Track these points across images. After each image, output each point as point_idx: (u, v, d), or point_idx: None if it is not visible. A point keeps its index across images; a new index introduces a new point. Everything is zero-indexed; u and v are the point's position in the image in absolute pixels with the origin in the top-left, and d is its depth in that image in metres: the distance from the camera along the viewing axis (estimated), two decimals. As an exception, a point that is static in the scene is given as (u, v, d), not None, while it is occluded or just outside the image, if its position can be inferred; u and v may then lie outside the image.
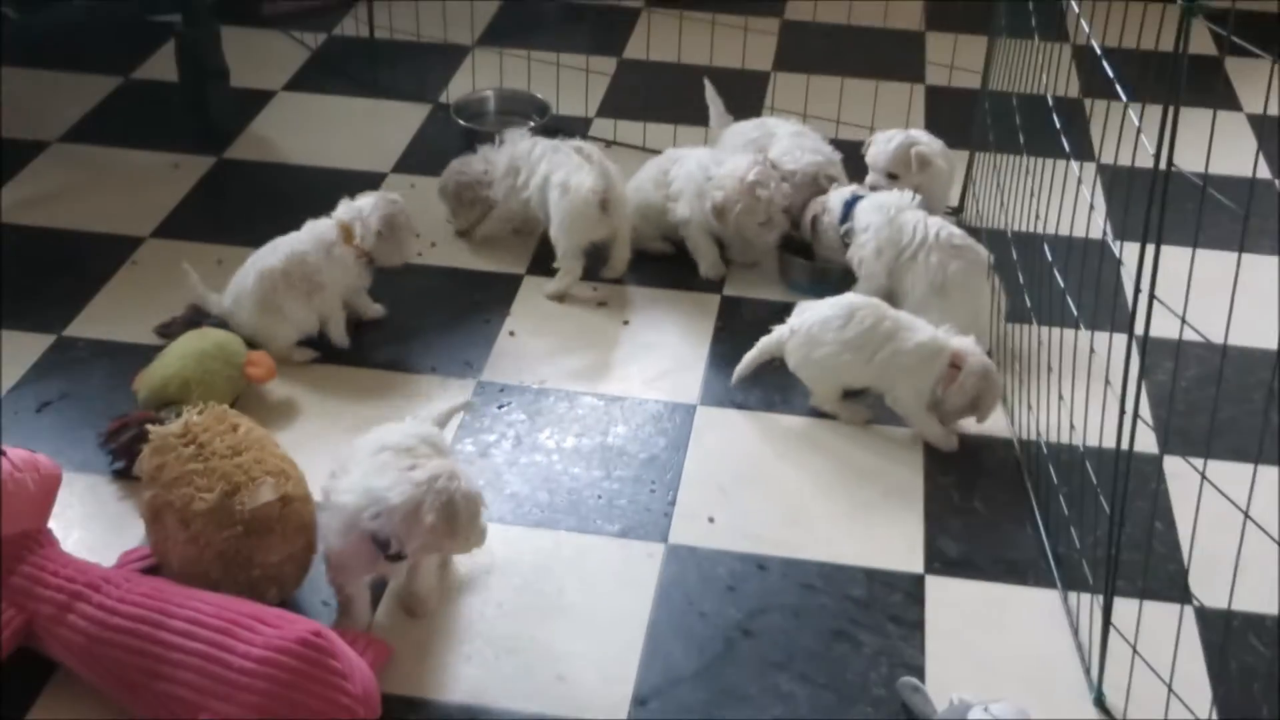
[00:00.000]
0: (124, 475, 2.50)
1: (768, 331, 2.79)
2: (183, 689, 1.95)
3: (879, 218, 2.95)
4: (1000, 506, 2.57)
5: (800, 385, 2.80)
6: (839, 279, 3.07)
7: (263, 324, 2.80)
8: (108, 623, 2.02)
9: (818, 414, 2.77)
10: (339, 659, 1.96)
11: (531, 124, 3.67)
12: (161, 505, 2.17)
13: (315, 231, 2.89)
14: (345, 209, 2.93)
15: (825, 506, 2.56)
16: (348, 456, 2.25)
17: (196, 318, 2.85)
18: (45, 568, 2.10)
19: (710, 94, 3.53)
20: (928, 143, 3.18)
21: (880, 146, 3.20)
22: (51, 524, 2.21)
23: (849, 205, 3.02)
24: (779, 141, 3.28)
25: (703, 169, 3.15)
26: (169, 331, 2.84)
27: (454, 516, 2.07)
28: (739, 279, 3.21)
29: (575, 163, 3.07)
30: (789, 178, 3.15)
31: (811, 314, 2.72)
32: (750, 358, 2.77)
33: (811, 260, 3.15)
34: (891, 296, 2.88)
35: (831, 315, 2.70)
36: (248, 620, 1.98)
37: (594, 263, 3.19)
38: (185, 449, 2.17)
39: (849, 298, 2.75)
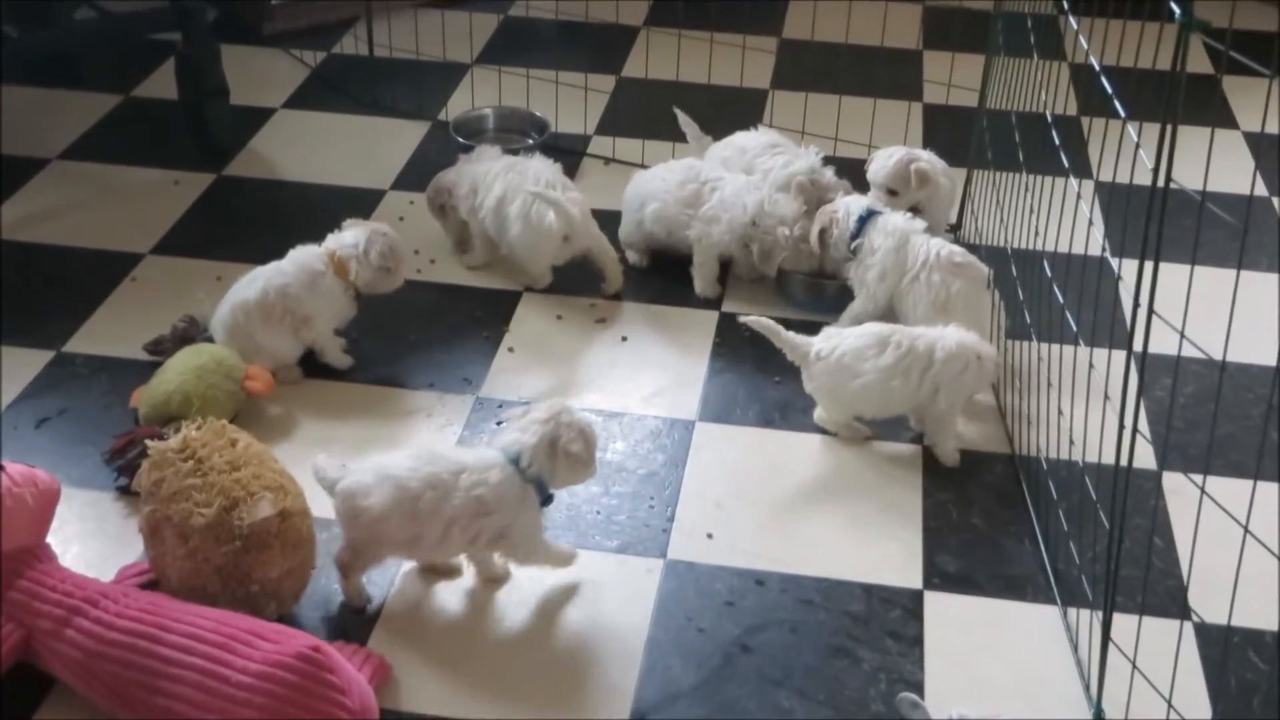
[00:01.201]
0: (128, 492, 2.50)
1: (765, 347, 2.78)
2: (180, 704, 1.94)
3: (888, 243, 2.94)
4: (999, 522, 2.57)
5: (798, 402, 2.80)
6: (836, 293, 3.08)
7: (240, 348, 2.77)
8: (105, 637, 2.01)
9: (816, 430, 2.77)
10: (337, 674, 1.96)
11: (530, 141, 3.68)
12: (160, 520, 2.17)
13: (300, 262, 2.85)
14: (334, 241, 2.89)
15: (824, 522, 2.56)
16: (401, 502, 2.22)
17: (188, 334, 2.85)
18: (43, 582, 2.10)
19: (682, 120, 3.54)
20: (928, 160, 3.19)
21: (881, 162, 3.20)
22: (50, 539, 2.21)
23: (863, 220, 3.01)
24: (775, 159, 3.28)
25: (747, 210, 3.11)
26: (159, 349, 2.83)
27: (590, 442, 2.27)
28: (737, 295, 3.21)
29: (531, 190, 3.06)
30: (830, 195, 3.16)
31: (840, 344, 2.68)
32: (767, 324, 2.72)
33: (809, 273, 3.15)
34: (888, 315, 2.89)
35: (863, 345, 2.67)
36: (246, 635, 1.98)
37: (592, 280, 3.19)
38: (184, 464, 2.17)
39: (873, 326, 2.73)
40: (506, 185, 3.12)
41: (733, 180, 3.19)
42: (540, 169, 3.14)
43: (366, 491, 2.22)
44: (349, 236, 2.89)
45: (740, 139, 3.41)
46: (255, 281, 2.82)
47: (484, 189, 3.16)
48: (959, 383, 2.67)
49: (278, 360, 2.82)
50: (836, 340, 2.70)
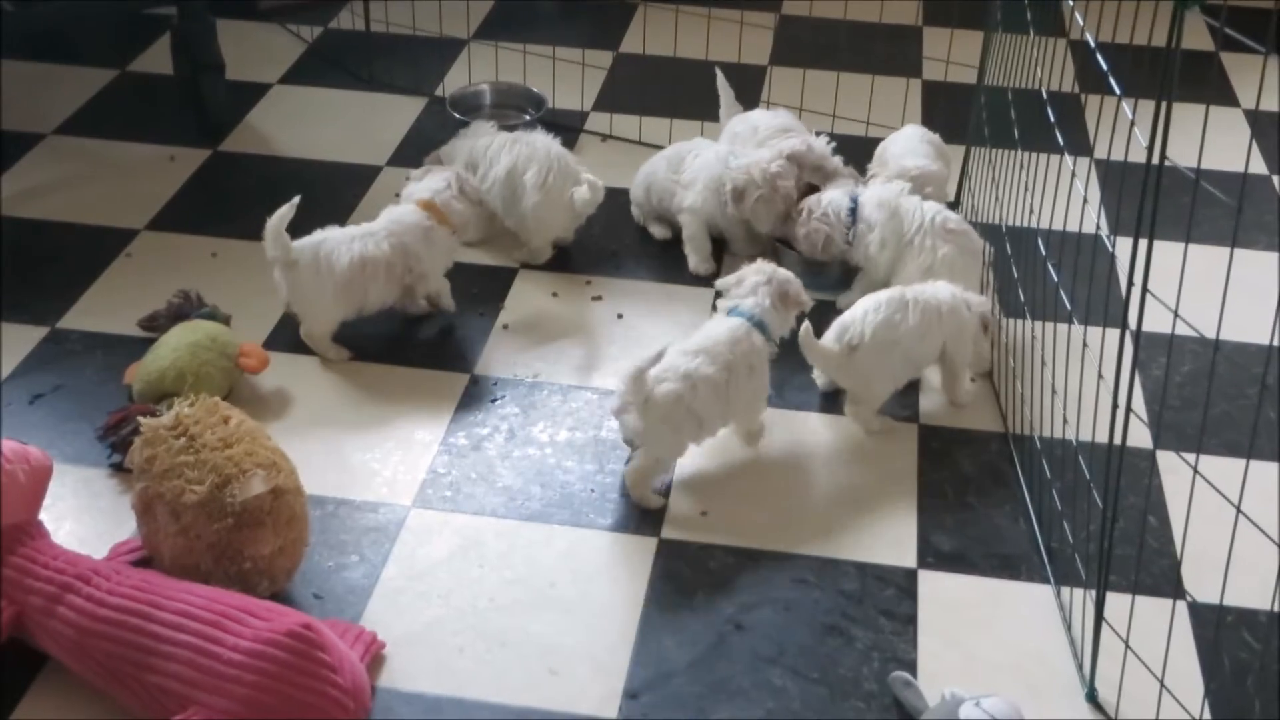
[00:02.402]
0: (121, 469, 2.49)
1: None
2: (172, 681, 1.95)
3: (880, 214, 2.95)
4: (993, 501, 2.57)
5: (794, 380, 2.80)
6: (835, 270, 3.07)
7: (328, 303, 2.79)
8: (98, 614, 2.01)
9: (811, 408, 2.77)
10: (329, 651, 1.96)
11: (527, 117, 3.67)
12: (152, 497, 2.16)
13: (406, 221, 2.87)
14: (423, 190, 2.93)
15: (818, 500, 2.55)
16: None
17: (183, 310, 2.84)
18: (36, 559, 2.10)
19: (721, 83, 3.52)
20: (931, 171, 3.17)
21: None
22: (43, 516, 2.21)
23: (852, 210, 3.00)
24: (787, 142, 3.26)
25: (720, 161, 3.16)
26: (154, 325, 2.83)
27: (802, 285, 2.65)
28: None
29: (544, 159, 3.08)
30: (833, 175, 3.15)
31: (862, 327, 2.65)
32: (807, 336, 2.64)
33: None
34: (885, 284, 2.88)
35: (887, 314, 2.65)
36: (238, 613, 1.98)
37: (590, 257, 3.19)
38: (176, 441, 2.16)
39: (880, 295, 2.71)
40: (515, 157, 3.13)
41: (713, 147, 3.23)
42: (549, 143, 3.15)
43: (680, 393, 2.44)
44: (435, 182, 2.95)
45: (755, 117, 3.39)
46: (381, 241, 2.82)
47: (485, 163, 3.17)
48: (961, 335, 2.70)
49: (360, 313, 2.85)
50: (857, 327, 2.66)
